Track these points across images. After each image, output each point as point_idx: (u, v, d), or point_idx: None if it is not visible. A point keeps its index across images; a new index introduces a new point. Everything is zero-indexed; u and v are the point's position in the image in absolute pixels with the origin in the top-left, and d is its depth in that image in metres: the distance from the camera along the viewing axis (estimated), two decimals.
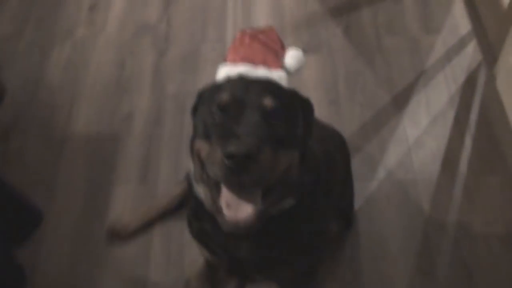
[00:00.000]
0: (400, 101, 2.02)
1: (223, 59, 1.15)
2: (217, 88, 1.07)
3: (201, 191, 1.12)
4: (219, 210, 1.00)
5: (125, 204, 1.83)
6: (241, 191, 0.97)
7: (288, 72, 1.14)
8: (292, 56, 1.14)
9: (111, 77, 2.19)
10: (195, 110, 1.15)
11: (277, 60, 1.12)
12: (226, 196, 0.98)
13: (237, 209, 0.97)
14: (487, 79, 2.04)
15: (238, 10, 2.39)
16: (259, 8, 2.39)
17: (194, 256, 1.68)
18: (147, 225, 1.77)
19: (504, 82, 1.96)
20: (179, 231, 1.75)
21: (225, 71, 1.12)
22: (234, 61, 1.11)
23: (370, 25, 2.27)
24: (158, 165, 1.92)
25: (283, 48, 1.15)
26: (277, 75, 1.10)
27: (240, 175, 0.92)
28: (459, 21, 2.24)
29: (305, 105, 1.12)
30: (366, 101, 2.04)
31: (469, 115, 1.96)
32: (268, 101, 1.00)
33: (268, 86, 1.06)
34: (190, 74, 2.18)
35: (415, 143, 1.91)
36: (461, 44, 2.16)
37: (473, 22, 2.22)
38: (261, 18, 2.34)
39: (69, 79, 2.20)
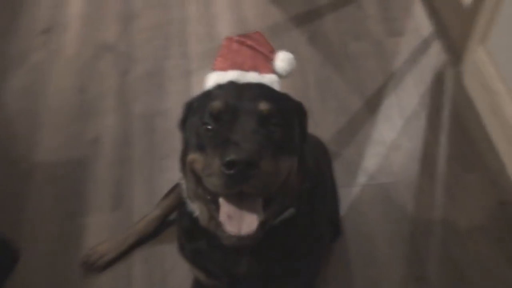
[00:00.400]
0: (372, 104, 2.01)
1: (211, 68, 1.09)
2: (207, 96, 1.02)
3: (195, 208, 1.06)
4: (218, 225, 0.95)
5: (100, 233, 1.73)
6: (242, 202, 0.93)
7: (280, 76, 1.09)
8: (282, 59, 1.10)
9: (73, 101, 2.09)
10: (183, 122, 1.09)
11: (267, 64, 1.08)
12: (226, 209, 0.93)
13: (239, 221, 0.92)
14: (454, 77, 2.06)
15: (200, 25, 2.34)
16: (221, 21, 2.35)
17: (180, 282, 1.61)
18: (126, 253, 1.68)
19: (471, 79, 1.97)
20: (161, 256, 1.67)
21: (214, 79, 1.07)
22: (223, 68, 1.06)
23: (334, 32, 2.27)
24: (131, 189, 1.83)
25: (272, 52, 1.11)
26: (268, 79, 1.06)
27: (241, 184, 0.87)
28: (421, 22, 2.26)
29: (299, 109, 1.08)
30: (339, 107, 2.01)
31: (441, 114, 1.97)
32: (263, 106, 0.96)
33: (262, 90, 1.02)
34: (156, 92, 2.11)
35: (392, 145, 1.90)
36: (425, 45, 2.18)
37: (434, 22, 2.25)
38: (224, 31, 2.29)
39: (28, 107, 2.08)
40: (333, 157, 1.75)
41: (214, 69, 1.08)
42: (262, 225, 0.94)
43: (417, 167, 1.84)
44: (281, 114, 0.98)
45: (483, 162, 1.84)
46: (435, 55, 2.14)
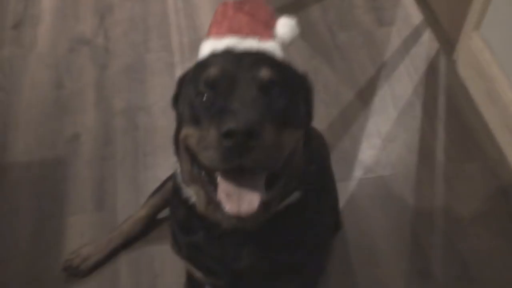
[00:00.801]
0: (365, 96, 1.94)
1: (206, 35, 0.99)
2: (202, 64, 0.92)
3: (191, 193, 0.96)
4: (216, 207, 0.85)
5: (82, 235, 1.61)
6: (242, 179, 0.82)
7: (282, 43, 0.99)
8: (284, 25, 1.00)
9: (49, 97, 1.96)
10: (176, 99, 0.99)
11: (267, 30, 0.97)
12: (224, 186, 0.83)
13: (239, 200, 0.82)
14: (447, 65, 2.00)
15: (181, 16, 2.23)
16: (202, 12, 2.25)
17: (170, 286, 1.50)
18: (111, 256, 1.56)
19: (466, 66, 1.92)
20: (149, 259, 1.56)
21: (209, 47, 0.96)
22: (218, 34, 0.96)
23: (322, 22, 2.19)
24: (114, 188, 1.71)
25: (273, 18, 1.00)
26: (269, 46, 0.96)
27: (241, 157, 0.77)
28: (411, 11, 2.20)
29: (303, 81, 0.99)
30: (330, 99, 1.93)
31: (436, 104, 1.90)
32: (264, 72, 0.86)
33: (262, 56, 0.92)
34: (137, 87, 1.99)
35: (388, 137, 1.82)
36: (416, 34, 2.12)
37: (424, 11, 2.19)
38: (206, 22, 2.14)
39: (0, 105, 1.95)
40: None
41: (208, 36, 0.98)
42: (265, 206, 0.84)
43: (415, 158, 1.77)
44: (284, 83, 0.88)
45: (482, 150, 1.77)
46: (427, 44, 2.07)
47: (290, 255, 1.03)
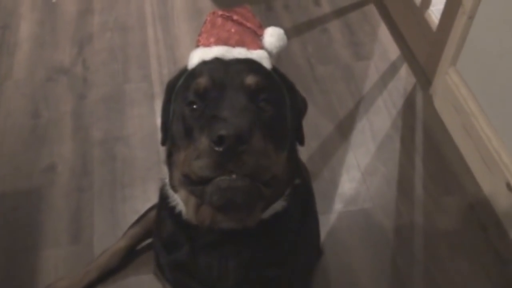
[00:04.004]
0: (344, 128, 1.95)
1: (195, 45, 1.00)
2: (191, 74, 0.94)
3: (178, 200, 0.97)
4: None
5: (57, 269, 1.56)
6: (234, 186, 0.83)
7: (270, 53, 1.00)
8: (272, 34, 1.01)
9: (25, 127, 1.93)
10: (165, 105, 1.00)
11: (255, 40, 0.99)
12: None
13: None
14: (424, 100, 2.03)
15: (161, 47, 2.23)
16: (183, 43, 2.25)
17: None
18: None
19: (443, 101, 1.95)
20: None
21: (198, 56, 0.97)
22: (207, 44, 0.96)
23: (301, 55, 2.21)
24: (91, 221, 1.68)
25: (261, 28, 1.02)
26: (257, 55, 0.97)
27: (232, 161, 0.80)
28: (388, 46, 2.24)
29: (291, 90, 1.01)
30: (309, 131, 1.92)
31: (414, 137, 1.93)
32: (251, 79, 0.89)
33: (250, 64, 0.94)
34: (116, 117, 1.97)
35: (367, 170, 1.83)
36: (393, 68, 2.16)
37: (401, 46, 2.23)
38: (186, 53, 2.14)
39: None
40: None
41: (197, 45, 0.99)
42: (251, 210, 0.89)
43: (394, 191, 1.78)
44: (271, 90, 0.91)
45: (459, 184, 1.79)
46: (405, 79, 2.11)
47: (276, 270, 1.03)
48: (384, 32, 2.30)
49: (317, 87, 2.09)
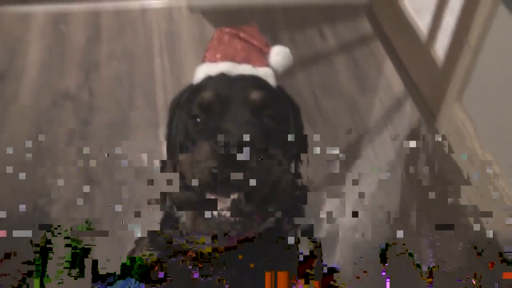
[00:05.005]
0: (348, 159, 1.94)
1: (201, 60, 1.00)
2: (196, 88, 0.95)
3: (181, 213, 0.97)
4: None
5: None
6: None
7: (275, 71, 1.01)
8: (278, 53, 1.02)
9: (26, 150, 1.91)
10: (170, 121, 1.01)
11: (261, 57, 0.99)
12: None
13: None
14: (429, 134, 2.03)
15: (167, 75, 2.25)
16: (189, 72, 2.23)
17: None
18: None
19: (448, 136, 1.95)
20: None
21: (203, 71, 0.98)
22: (213, 60, 0.97)
23: (306, 88, 2.22)
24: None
25: (267, 46, 1.02)
26: (262, 72, 0.97)
27: (233, 166, 0.79)
28: (392, 80, 2.26)
29: (293, 105, 1.03)
30: (314, 161, 1.93)
31: (419, 171, 1.92)
32: (255, 95, 0.89)
33: (255, 81, 0.95)
34: (120, 143, 1.97)
35: (371, 201, 1.82)
36: (398, 102, 2.16)
37: (405, 81, 2.25)
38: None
39: None
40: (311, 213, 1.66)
41: (203, 61, 0.99)
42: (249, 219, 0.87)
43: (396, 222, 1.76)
44: (275, 107, 0.91)
45: (464, 223, 1.78)
46: (409, 112, 2.12)
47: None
48: (389, 66, 2.32)
49: (321, 118, 2.09)
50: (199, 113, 0.89)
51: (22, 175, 1.83)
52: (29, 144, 1.94)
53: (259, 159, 0.82)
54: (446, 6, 2.02)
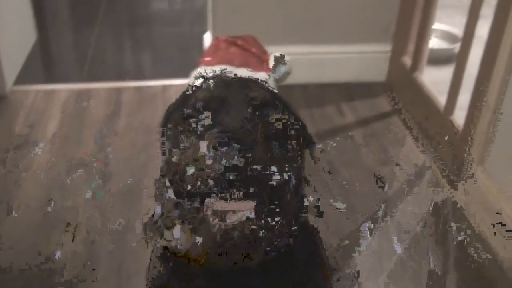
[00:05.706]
0: (368, 230, 1.85)
1: (197, 64, 0.96)
2: (190, 89, 0.88)
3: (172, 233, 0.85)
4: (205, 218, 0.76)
5: None
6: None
7: (275, 78, 0.95)
8: (277, 60, 0.97)
9: (36, 217, 1.88)
10: (163, 126, 0.92)
11: (260, 64, 0.94)
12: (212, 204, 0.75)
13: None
14: (452, 202, 1.94)
15: None
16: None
17: None
18: None
19: (471, 202, 1.85)
20: None
21: (199, 73, 0.93)
22: (210, 63, 0.92)
23: (323, 160, 2.17)
24: None
25: (266, 53, 0.98)
26: (261, 76, 0.92)
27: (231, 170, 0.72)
28: (413, 151, 2.22)
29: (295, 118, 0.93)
30: (330, 229, 1.84)
31: (443, 239, 1.80)
32: (257, 93, 0.83)
33: (254, 81, 0.88)
34: (131, 210, 1.91)
35: (392, 273, 1.69)
36: (418, 172, 2.10)
37: (424, 151, 2.20)
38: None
39: None
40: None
41: (199, 64, 0.95)
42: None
43: None
44: (277, 104, 0.85)
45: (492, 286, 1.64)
46: (430, 181, 2.04)
47: None
48: (408, 138, 2.28)
49: (339, 191, 2.02)
50: (193, 113, 0.83)
51: (29, 237, 1.80)
52: (39, 209, 1.91)
53: (258, 152, 0.75)
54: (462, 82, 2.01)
